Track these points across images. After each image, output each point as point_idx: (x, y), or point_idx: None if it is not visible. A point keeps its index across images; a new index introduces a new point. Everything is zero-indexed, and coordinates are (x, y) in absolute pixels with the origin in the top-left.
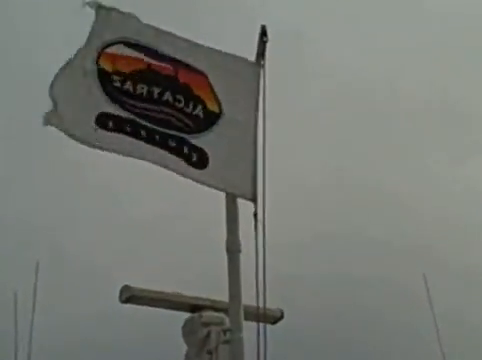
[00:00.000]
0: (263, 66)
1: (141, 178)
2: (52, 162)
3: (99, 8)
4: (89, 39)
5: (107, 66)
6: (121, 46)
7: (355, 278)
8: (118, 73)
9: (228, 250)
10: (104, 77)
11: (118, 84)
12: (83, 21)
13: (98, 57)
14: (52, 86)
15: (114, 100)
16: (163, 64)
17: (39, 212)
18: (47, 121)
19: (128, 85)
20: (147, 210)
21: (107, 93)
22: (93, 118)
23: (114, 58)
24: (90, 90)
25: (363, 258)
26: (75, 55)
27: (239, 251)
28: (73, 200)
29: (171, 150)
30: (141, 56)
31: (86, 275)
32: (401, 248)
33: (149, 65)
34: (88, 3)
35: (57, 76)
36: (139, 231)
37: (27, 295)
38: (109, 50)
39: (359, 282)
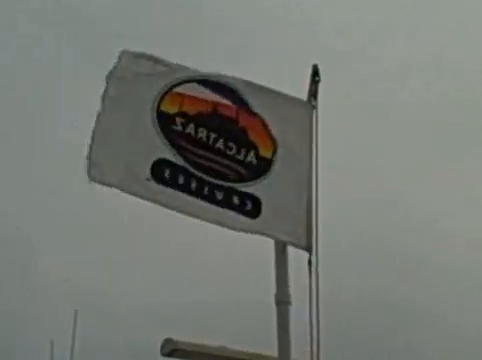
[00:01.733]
0: (315, 107)
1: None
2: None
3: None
4: (148, 82)
5: (171, 108)
6: (194, 84)
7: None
8: (182, 115)
9: (277, 302)
10: (165, 121)
11: (180, 128)
12: None
13: (161, 99)
14: (97, 134)
15: (173, 144)
16: (228, 103)
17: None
18: (93, 177)
19: (190, 128)
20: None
21: (168, 138)
22: (148, 167)
23: (182, 98)
24: (148, 136)
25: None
26: (128, 99)
27: (289, 303)
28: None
29: (219, 203)
30: (210, 95)
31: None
32: None
33: (215, 106)
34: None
35: (104, 120)
36: (184, 279)
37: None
38: (178, 89)
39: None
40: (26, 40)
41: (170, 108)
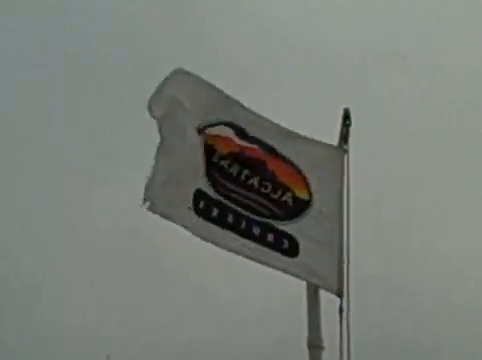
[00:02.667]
0: (346, 151)
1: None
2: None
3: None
4: (189, 113)
5: (212, 141)
6: (222, 127)
7: None
8: (218, 151)
9: (309, 346)
10: (209, 151)
11: (216, 160)
12: None
13: (199, 133)
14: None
15: (210, 176)
16: (254, 147)
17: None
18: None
19: (224, 162)
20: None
21: (207, 169)
22: (191, 195)
23: (217, 138)
24: (194, 163)
25: None
26: (173, 129)
27: (321, 348)
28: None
29: (255, 239)
30: (235, 138)
31: None
32: None
33: (242, 149)
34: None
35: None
36: (212, 321)
37: None
38: (212, 130)
39: None
40: None
41: (212, 141)
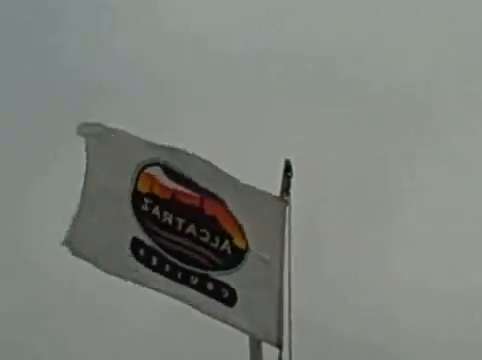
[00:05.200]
0: (288, 203)
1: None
2: None
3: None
4: (123, 158)
5: (144, 187)
6: (159, 169)
7: None
8: (150, 196)
9: None
10: (137, 199)
11: (146, 208)
12: None
13: (137, 178)
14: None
15: (143, 224)
16: (190, 192)
17: None
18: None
19: (155, 211)
20: None
21: (138, 217)
22: (128, 244)
23: (153, 180)
24: (126, 214)
25: None
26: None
27: None
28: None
29: (194, 287)
30: (170, 184)
31: None
32: None
33: (174, 194)
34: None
35: (84, 200)
36: None
37: None
38: (148, 170)
39: None
40: None
41: (143, 187)
